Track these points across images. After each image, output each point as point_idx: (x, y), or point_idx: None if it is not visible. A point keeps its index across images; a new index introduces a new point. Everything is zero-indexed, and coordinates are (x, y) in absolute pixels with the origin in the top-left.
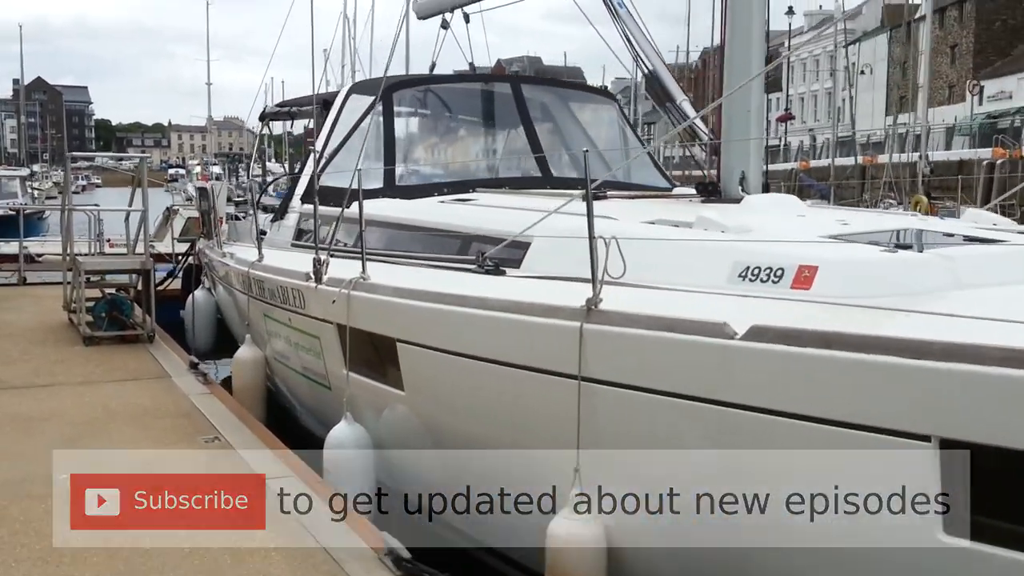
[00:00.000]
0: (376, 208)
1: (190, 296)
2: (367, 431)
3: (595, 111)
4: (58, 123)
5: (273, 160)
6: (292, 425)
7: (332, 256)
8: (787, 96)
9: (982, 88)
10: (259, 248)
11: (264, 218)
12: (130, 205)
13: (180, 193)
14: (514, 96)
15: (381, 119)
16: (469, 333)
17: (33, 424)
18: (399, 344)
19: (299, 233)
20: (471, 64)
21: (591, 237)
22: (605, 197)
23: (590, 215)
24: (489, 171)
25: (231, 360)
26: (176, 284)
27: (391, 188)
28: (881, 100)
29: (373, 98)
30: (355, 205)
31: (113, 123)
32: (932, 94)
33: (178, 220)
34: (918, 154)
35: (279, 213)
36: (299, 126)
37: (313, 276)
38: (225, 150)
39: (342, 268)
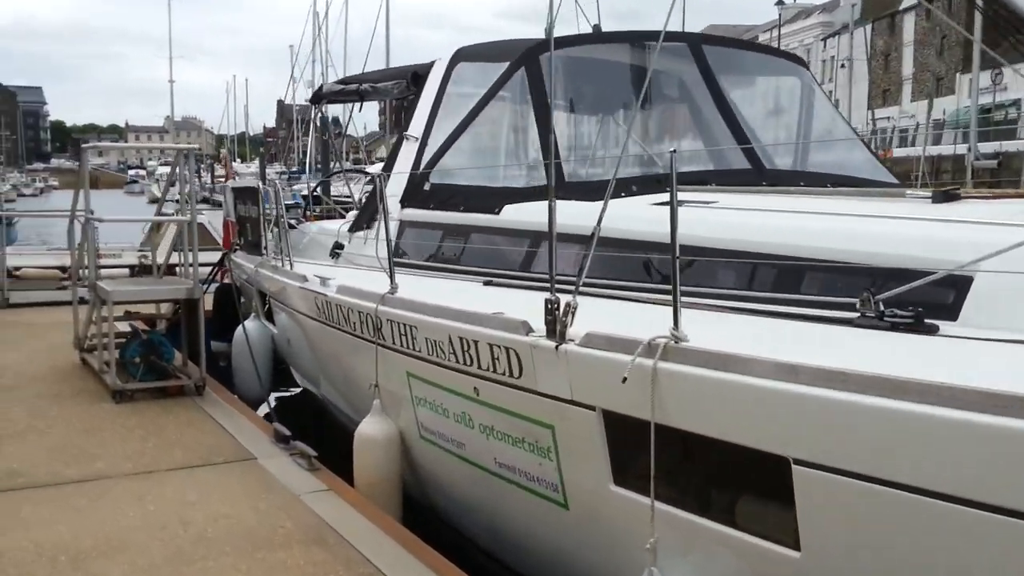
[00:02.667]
0: (568, 216)
1: (239, 329)
2: None
3: (784, 80)
4: (12, 124)
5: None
6: (445, 533)
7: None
8: None
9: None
10: (391, 273)
11: (325, 227)
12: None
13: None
14: (696, 61)
15: (529, 91)
16: (951, 454)
17: (81, 572)
18: (797, 468)
19: (399, 250)
20: (596, 27)
21: None
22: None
23: None
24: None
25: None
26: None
27: (560, 186)
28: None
29: (488, 66)
30: (509, 211)
31: (67, 124)
32: (919, 87)
33: (171, 227)
34: (966, 146)
35: (362, 221)
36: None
37: (546, 329)
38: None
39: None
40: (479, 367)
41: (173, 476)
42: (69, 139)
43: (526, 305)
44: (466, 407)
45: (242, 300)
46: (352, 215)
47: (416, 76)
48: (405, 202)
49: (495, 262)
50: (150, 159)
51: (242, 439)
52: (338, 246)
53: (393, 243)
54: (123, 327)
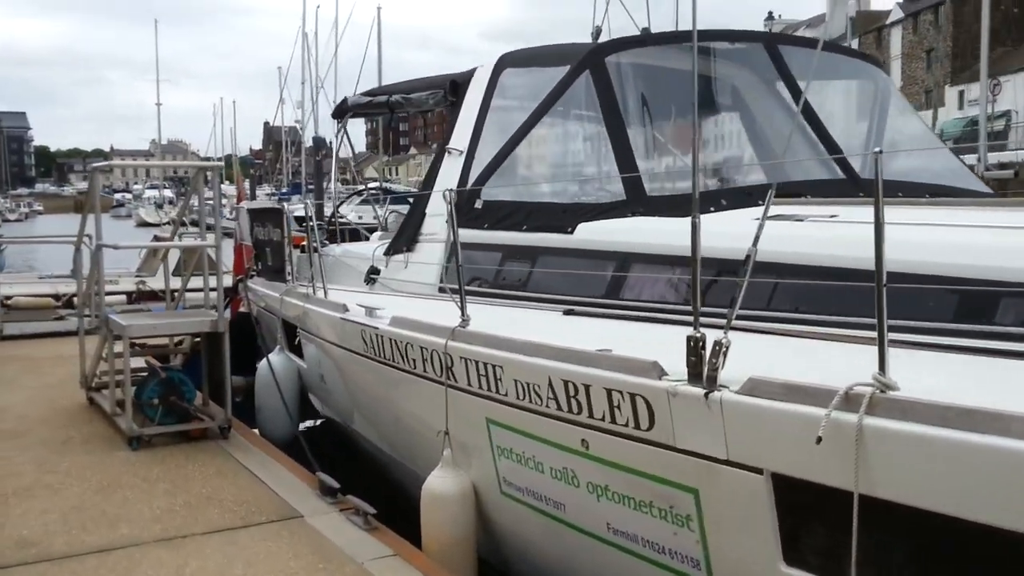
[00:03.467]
0: (655, 234)
1: (262, 363)
2: None
3: (861, 83)
4: None
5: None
6: None
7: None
8: None
9: (961, 93)
10: (462, 304)
11: (351, 249)
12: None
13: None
14: (773, 63)
15: (597, 96)
16: None
17: None
18: None
19: (445, 274)
20: (644, 30)
21: None
22: None
23: None
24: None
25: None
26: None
27: (640, 201)
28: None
29: (540, 71)
30: (585, 230)
31: (52, 149)
32: (908, 100)
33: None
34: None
35: (401, 243)
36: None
37: (688, 372)
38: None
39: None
40: (590, 416)
41: (211, 541)
42: (54, 164)
43: (633, 340)
44: (570, 462)
45: (259, 331)
46: (377, 236)
47: (455, 85)
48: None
49: (571, 288)
50: (135, 182)
51: (282, 492)
52: (374, 271)
53: (445, 267)
54: (136, 362)
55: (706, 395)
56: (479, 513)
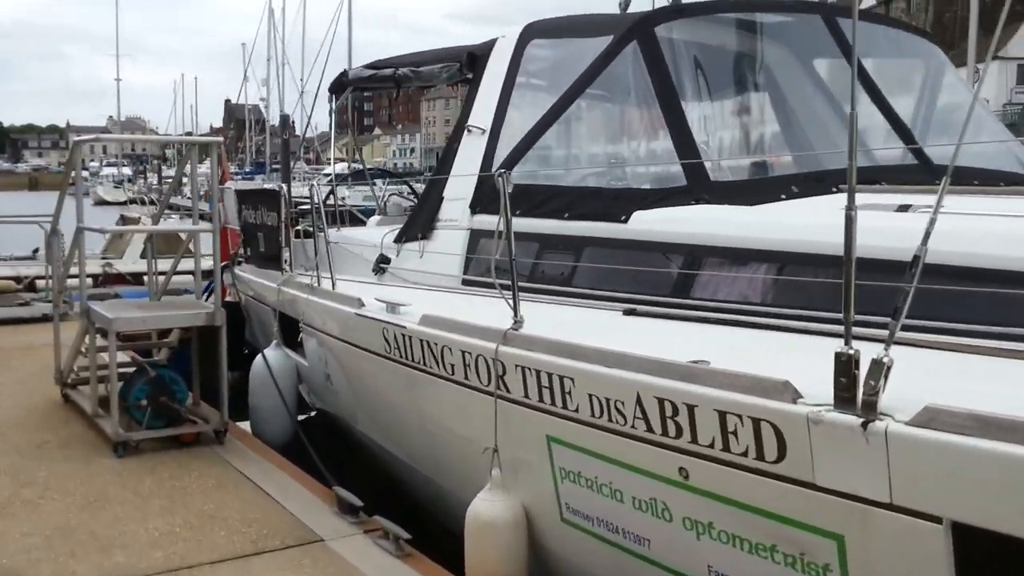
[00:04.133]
0: (721, 224)
1: (257, 359)
2: None
3: (919, 61)
4: None
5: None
6: None
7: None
8: None
9: None
10: (515, 302)
11: (351, 235)
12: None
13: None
14: (834, 38)
15: (647, 70)
16: None
17: None
18: None
19: (470, 264)
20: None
21: None
22: None
23: None
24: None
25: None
26: None
27: (704, 187)
28: None
29: (574, 42)
30: (642, 218)
31: (5, 125)
32: None
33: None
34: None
35: (417, 229)
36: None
37: (836, 396)
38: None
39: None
40: (693, 441)
41: (221, 573)
42: (7, 139)
43: (721, 348)
44: (661, 492)
45: (248, 323)
46: (375, 221)
47: (473, 58)
48: (478, 207)
49: (627, 284)
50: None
51: (294, 508)
52: (383, 260)
53: (460, 258)
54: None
55: (864, 425)
56: (533, 541)
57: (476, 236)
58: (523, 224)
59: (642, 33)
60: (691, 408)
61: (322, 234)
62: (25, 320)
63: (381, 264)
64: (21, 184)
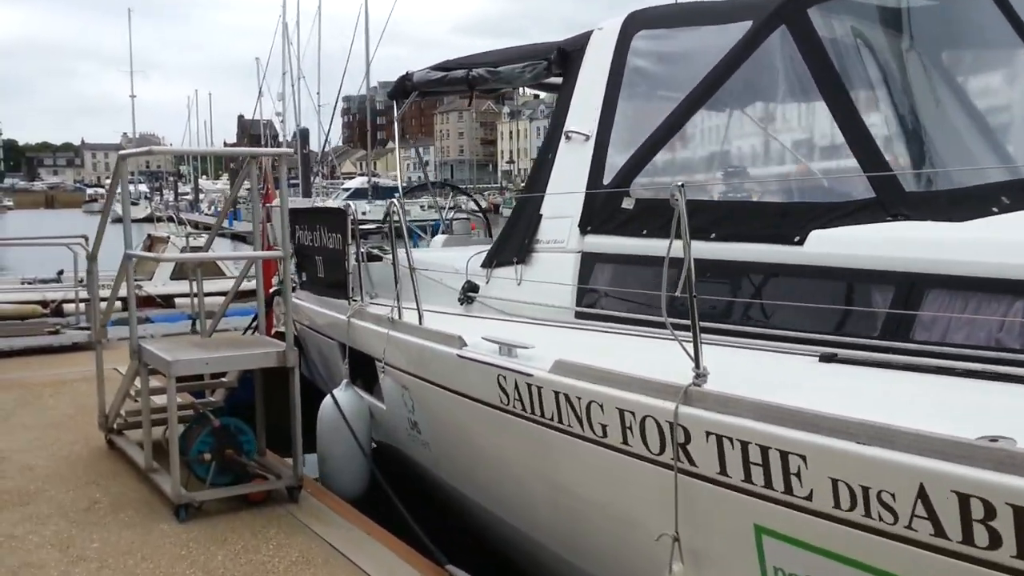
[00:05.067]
0: (934, 246)
1: (326, 402)
2: None
3: None
4: None
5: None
6: None
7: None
8: None
9: None
10: (696, 350)
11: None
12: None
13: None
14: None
15: (803, 58)
16: None
17: None
18: None
19: (584, 296)
20: None
21: None
22: None
23: None
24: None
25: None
26: None
27: (899, 200)
28: None
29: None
30: (823, 239)
31: (20, 143)
32: None
33: (169, 249)
34: None
35: (511, 252)
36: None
37: None
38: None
39: None
40: (1020, 555)
41: None
42: (23, 158)
43: (1000, 411)
44: None
45: (305, 356)
46: (439, 241)
47: (564, 54)
48: (589, 226)
49: (808, 321)
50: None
51: None
52: (471, 288)
53: (572, 290)
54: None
55: None
56: None
57: (590, 260)
58: (651, 246)
59: (793, 16)
60: (1018, 511)
61: (401, 258)
62: (55, 349)
63: (469, 293)
64: (38, 202)
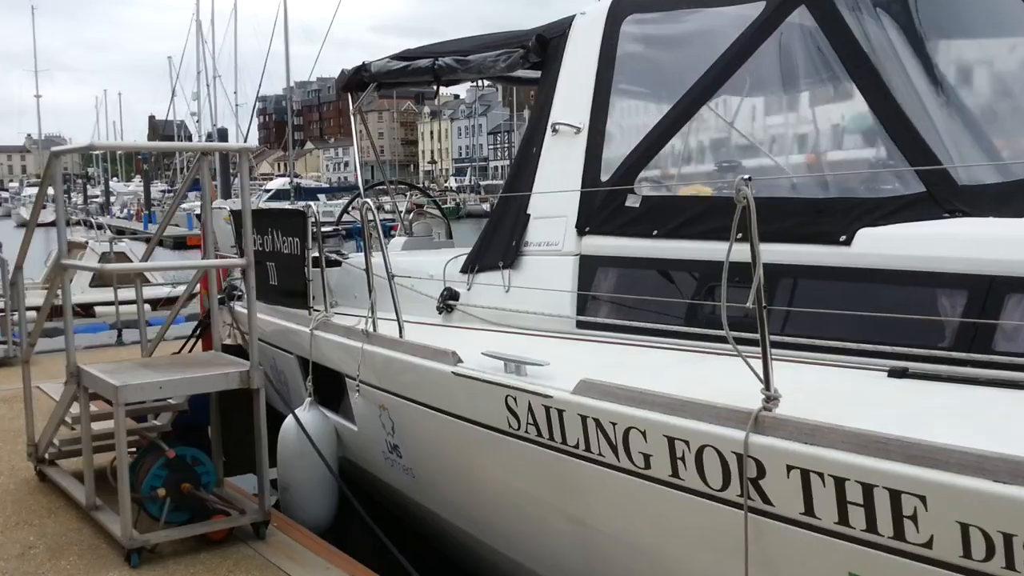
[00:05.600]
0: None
1: (288, 422)
2: None
3: None
4: None
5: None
6: None
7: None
8: None
9: None
10: (766, 375)
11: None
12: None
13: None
14: None
15: (830, 41)
16: None
17: None
18: None
19: (586, 304)
20: None
21: None
22: None
23: None
24: None
25: None
26: None
27: (953, 194)
28: None
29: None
30: (875, 239)
31: None
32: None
33: (88, 256)
34: None
35: (495, 256)
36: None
37: None
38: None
39: None
40: None
41: None
42: None
43: None
44: None
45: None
46: (399, 244)
47: (544, 41)
48: (587, 226)
49: (863, 332)
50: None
51: None
52: (451, 295)
53: (572, 299)
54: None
55: None
56: None
57: (590, 264)
58: (661, 248)
59: None
60: None
61: (376, 263)
62: None
63: (448, 301)
64: None
